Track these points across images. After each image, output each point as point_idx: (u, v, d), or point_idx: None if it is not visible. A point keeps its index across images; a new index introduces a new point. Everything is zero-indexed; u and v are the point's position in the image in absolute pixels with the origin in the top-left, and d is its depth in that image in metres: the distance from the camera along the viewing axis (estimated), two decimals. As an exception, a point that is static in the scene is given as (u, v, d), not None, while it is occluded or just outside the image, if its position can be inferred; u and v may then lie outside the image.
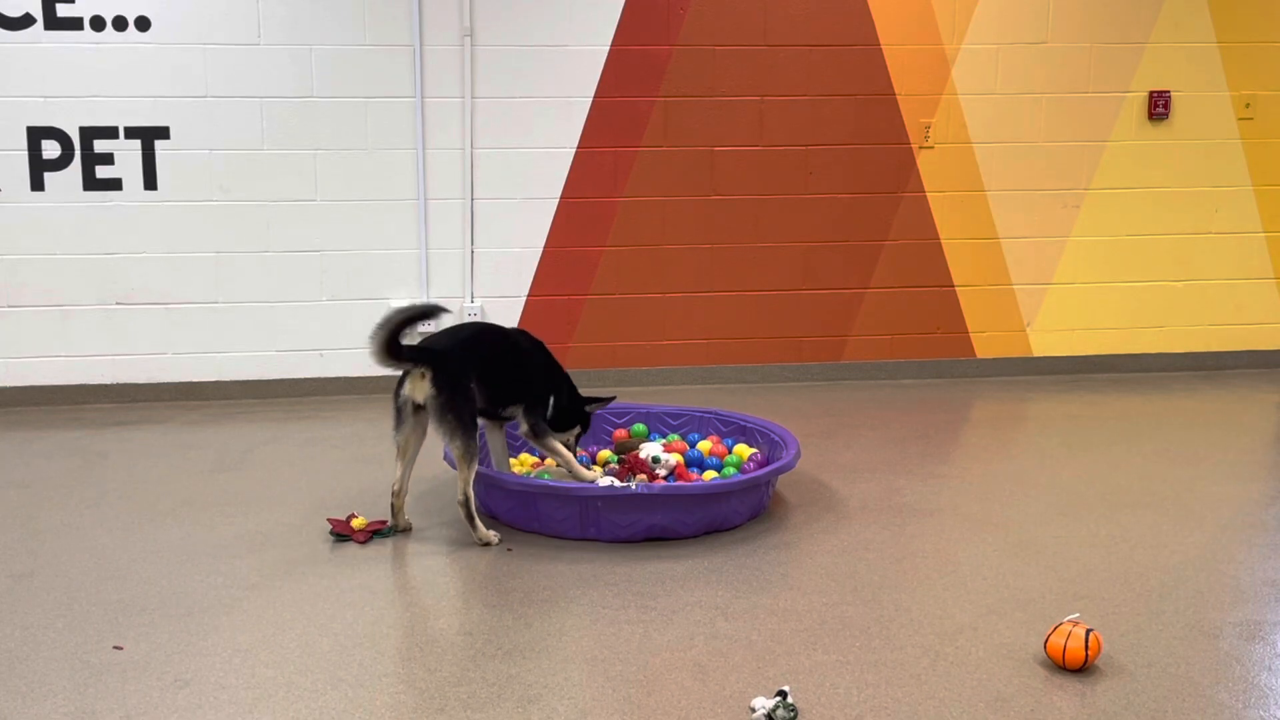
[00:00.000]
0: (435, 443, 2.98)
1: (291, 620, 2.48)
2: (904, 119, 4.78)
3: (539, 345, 3.22)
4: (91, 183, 4.39)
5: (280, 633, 2.42)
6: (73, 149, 4.36)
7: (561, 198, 4.70)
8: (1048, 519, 3.11)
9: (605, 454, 3.41)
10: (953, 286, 4.96)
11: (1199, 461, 3.67)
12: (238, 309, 4.57)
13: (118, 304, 4.48)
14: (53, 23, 4.28)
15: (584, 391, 3.27)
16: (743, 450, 3.37)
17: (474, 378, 2.93)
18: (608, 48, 4.63)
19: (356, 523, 2.94)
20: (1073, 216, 4.93)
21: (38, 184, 4.36)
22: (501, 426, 3.22)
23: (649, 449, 3.21)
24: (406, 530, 3.01)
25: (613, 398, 3.41)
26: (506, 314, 4.72)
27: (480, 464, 3.05)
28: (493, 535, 2.92)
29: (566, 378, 3.22)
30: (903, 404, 4.49)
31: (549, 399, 3.12)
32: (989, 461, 3.71)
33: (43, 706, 2.10)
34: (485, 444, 3.30)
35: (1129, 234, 4.97)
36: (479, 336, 3.13)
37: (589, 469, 3.18)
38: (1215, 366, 5.08)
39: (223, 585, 2.66)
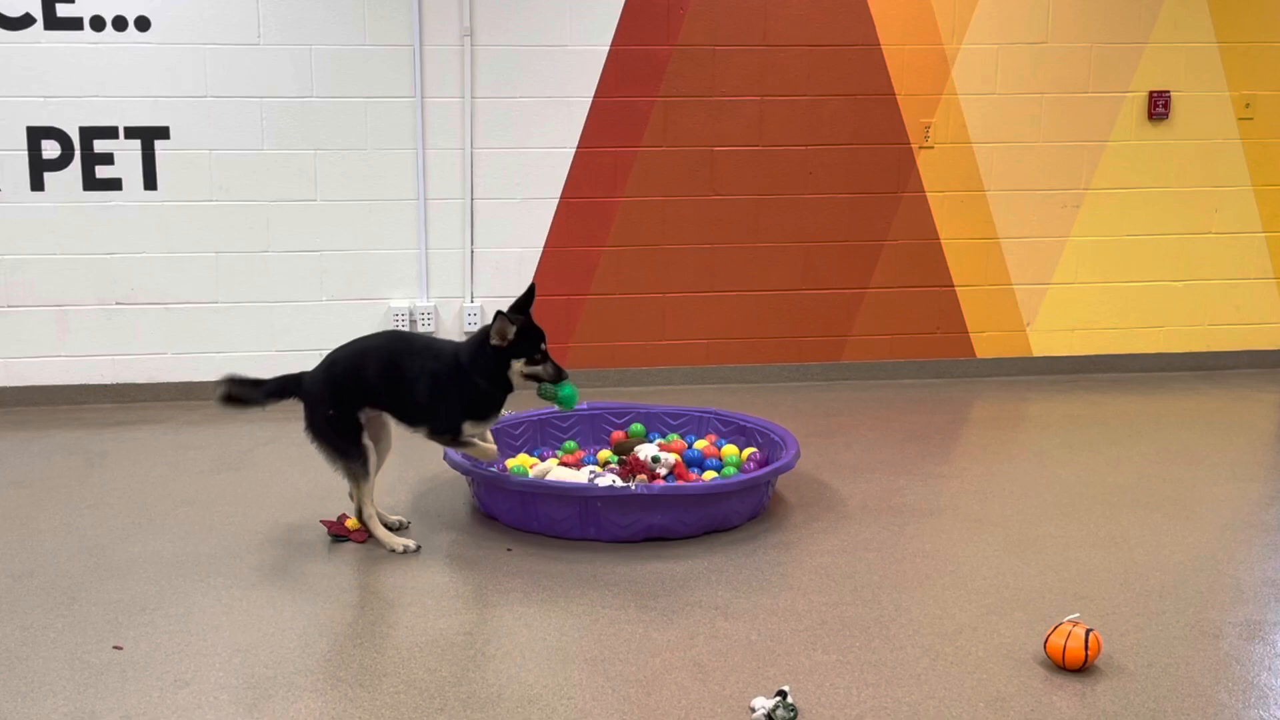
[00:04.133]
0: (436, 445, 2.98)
1: (291, 620, 2.48)
2: (904, 119, 4.78)
3: (426, 347, 2.94)
4: (91, 183, 4.38)
5: (280, 633, 2.42)
6: (73, 149, 4.36)
7: (561, 198, 4.70)
8: (1048, 519, 3.11)
9: (605, 454, 3.41)
10: (953, 286, 4.96)
11: (1199, 461, 3.67)
12: (238, 309, 4.57)
13: (118, 304, 4.48)
14: (53, 23, 4.27)
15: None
16: (733, 450, 3.37)
17: (343, 399, 2.84)
18: (608, 48, 4.62)
19: (350, 523, 2.94)
20: (1073, 216, 4.93)
21: (38, 184, 4.36)
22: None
23: (647, 449, 3.21)
24: (400, 528, 3.01)
25: (530, 287, 2.97)
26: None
27: (490, 466, 3.04)
28: (404, 542, 2.87)
29: (461, 359, 2.84)
30: (903, 404, 4.49)
31: (437, 407, 2.84)
32: (989, 461, 3.71)
33: (42, 706, 2.11)
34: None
35: (1129, 234, 4.97)
36: (362, 355, 2.93)
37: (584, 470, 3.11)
38: (1215, 366, 5.08)
39: (223, 585, 2.66)
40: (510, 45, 4.55)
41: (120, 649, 2.32)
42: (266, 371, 4.67)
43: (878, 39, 4.68)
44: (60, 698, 2.13)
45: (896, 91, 4.73)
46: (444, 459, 3.10)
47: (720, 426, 3.58)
